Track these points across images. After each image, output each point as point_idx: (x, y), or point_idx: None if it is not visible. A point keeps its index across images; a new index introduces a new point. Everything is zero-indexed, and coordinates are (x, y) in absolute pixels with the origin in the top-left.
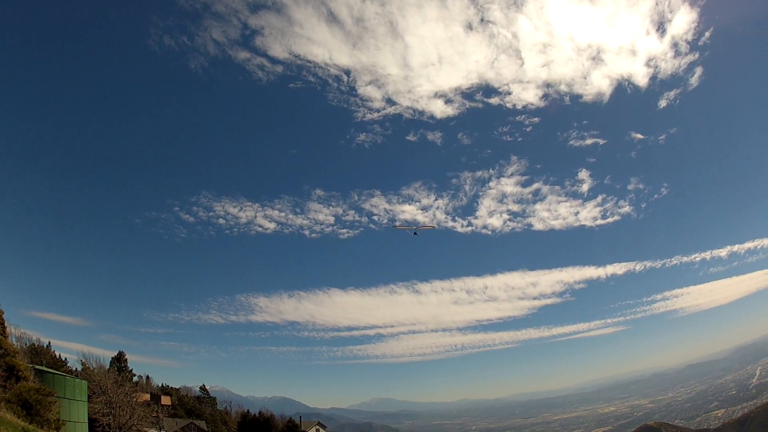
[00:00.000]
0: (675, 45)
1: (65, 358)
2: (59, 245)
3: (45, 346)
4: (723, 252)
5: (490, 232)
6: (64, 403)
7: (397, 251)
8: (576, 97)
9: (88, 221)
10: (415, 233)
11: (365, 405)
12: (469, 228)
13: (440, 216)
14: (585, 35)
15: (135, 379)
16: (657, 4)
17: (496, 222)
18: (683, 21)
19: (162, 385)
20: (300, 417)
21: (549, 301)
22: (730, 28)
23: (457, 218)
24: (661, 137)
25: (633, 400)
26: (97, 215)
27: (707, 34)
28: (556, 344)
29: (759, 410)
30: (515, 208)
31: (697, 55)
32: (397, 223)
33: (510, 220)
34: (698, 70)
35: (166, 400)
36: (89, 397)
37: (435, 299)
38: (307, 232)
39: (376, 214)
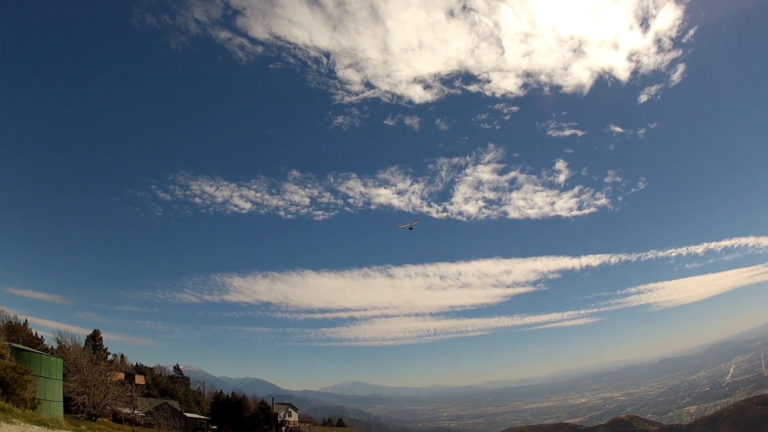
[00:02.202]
0: (658, 41)
1: (42, 336)
2: (37, 222)
3: (22, 323)
4: (699, 249)
5: (465, 219)
6: (40, 381)
7: (371, 235)
8: (556, 88)
9: (66, 198)
10: (411, 228)
11: (337, 388)
12: (444, 214)
13: (415, 201)
14: (567, 26)
15: (110, 357)
16: None
17: (471, 209)
18: (668, 17)
19: (136, 364)
20: (272, 399)
21: (523, 290)
22: (714, 27)
23: (432, 204)
24: (640, 131)
25: (605, 392)
26: (75, 192)
27: (691, 31)
28: (529, 333)
29: (732, 408)
30: (491, 195)
31: (680, 52)
32: (397, 226)
33: (485, 207)
34: (681, 67)
35: (140, 379)
36: (64, 375)
37: (409, 284)
38: (282, 213)
39: (351, 197)
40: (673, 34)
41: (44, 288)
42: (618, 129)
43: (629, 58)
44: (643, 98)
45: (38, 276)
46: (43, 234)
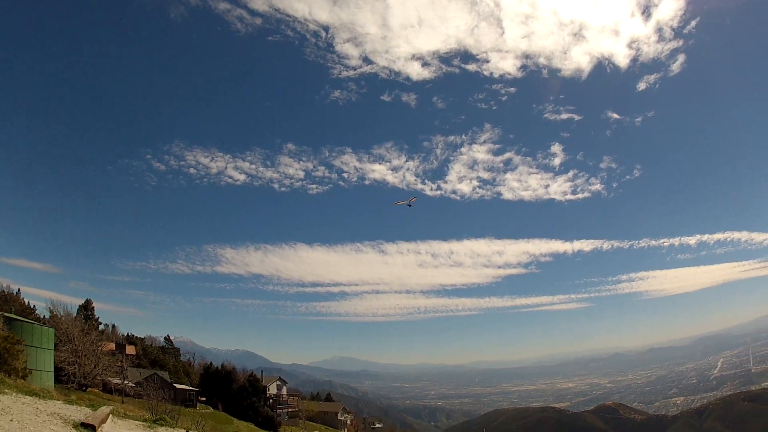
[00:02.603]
0: (659, 30)
1: (34, 306)
2: (30, 191)
3: (15, 293)
4: (692, 240)
5: (458, 198)
6: (32, 351)
7: (364, 210)
8: (554, 71)
9: (61, 167)
10: (409, 205)
11: (326, 362)
12: (438, 192)
13: (410, 178)
14: (569, 10)
15: (101, 327)
16: None
17: (465, 188)
18: (670, 7)
19: (127, 334)
20: (261, 372)
21: (514, 271)
22: (717, 19)
23: (426, 181)
24: (637, 119)
25: (592, 378)
26: (70, 161)
27: (693, 22)
28: (519, 315)
29: (718, 402)
30: (485, 175)
31: (680, 42)
32: (396, 203)
33: (479, 187)
34: (681, 57)
35: (130, 349)
36: (56, 345)
37: (400, 260)
38: (276, 186)
39: (346, 171)
40: (675, 24)
41: (37, 257)
42: (615, 115)
43: (629, 46)
44: (641, 86)
45: (31, 245)
46: (37, 203)
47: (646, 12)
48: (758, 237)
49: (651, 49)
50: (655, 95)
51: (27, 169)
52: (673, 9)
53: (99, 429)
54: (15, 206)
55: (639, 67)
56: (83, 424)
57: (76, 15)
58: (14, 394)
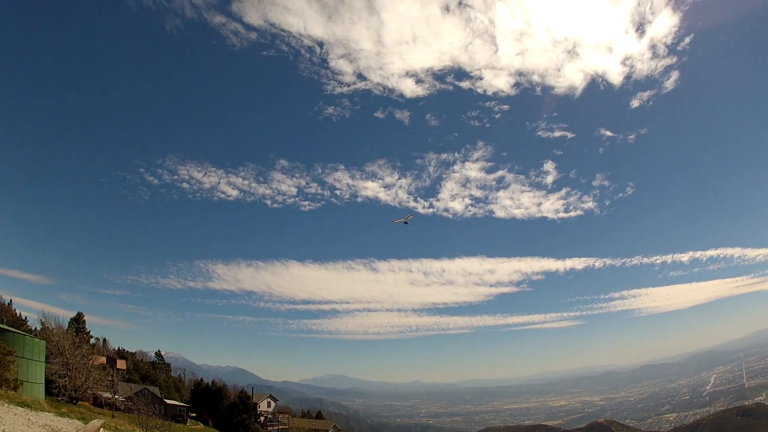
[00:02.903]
0: (653, 47)
1: (26, 317)
2: (25, 202)
3: (6, 303)
4: (684, 257)
5: (451, 216)
6: (23, 362)
7: (356, 227)
8: (548, 89)
9: (56, 179)
10: (405, 223)
11: (317, 380)
12: (431, 210)
13: (402, 195)
14: (563, 28)
15: (92, 341)
16: (639, 4)
17: (457, 206)
18: (664, 24)
19: (118, 348)
20: (252, 389)
21: (506, 290)
22: (711, 36)
23: (419, 199)
24: (630, 136)
25: (584, 396)
26: (65, 173)
27: (687, 39)
28: (511, 333)
29: (711, 418)
30: (478, 193)
31: (674, 59)
32: (394, 221)
33: (472, 205)
34: (674, 74)
35: (121, 364)
36: (47, 357)
37: (392, 278)
38: (269, 202)
39: (338, 189)
40: (669, 40)
41: (29, 268)
42: (608, 133)
43: (623, 63)
44: (635, 103)
45: (24, 256)
46: (30, 214)
47: (640, 29)
48: (751, 253)
49: (645, 66)
50: (648, 112)
51: (21, 180)
52: (667, 26)
53: None
54: (9, 217)
55: (632, 84)
56: None
57: (71, 28)
58: (6, 405)
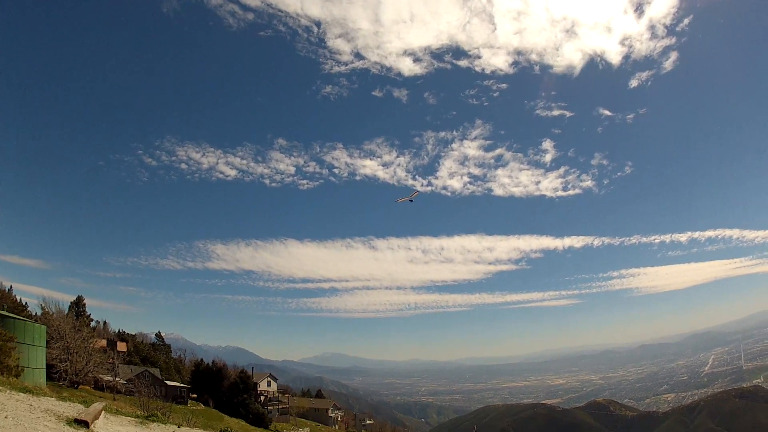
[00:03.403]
0: (652, 27)
1: (26, 303)
2: (23, 186)
3: (7, 290)
4: (683, 237)
5: (449, 194)
6: (24, 348)
7: (355, 205)
8: (546, 68)
9: (54, 163)
10: (410, 200)
11: (317, 359)
12: (429, 188)
13: (400, 173)
14: (561, 7)
15: (92, 324)
16: None
17: (456, 184)
18: (663, 4)
19: (118, 331)
20: (252, 368)
21: (504, 267)
22: (710, 17)
23: (417, 177)
24: (629, 116)
25: (583, 375)
26: (63, 157)
27: (686, 20)
28: (509, 311)
29: (710, 399)
30: (476, 171)
31: (673, 40)
32: (398, 200)
33: (470, 183)
34: (673, 55)
35: (122, 346)
36: (47, 342)
37: (391, 256)
38: (267, 181)
39: (336, 167)
40: (668, 21)
41: (29, 253)
42: (607, 112)
43: (622, 43)
44: (633, 83)
45: (23, 241)
46: (28, 198)
47: (639, 9)
48: (750, 234)
49: (643, 46)
50: (647, 92)
51: (18, 164)
52: (667, 6)
53: (92, 425)
54: (7, 202)
55: (631, 64)
56: (77, 421)
57: (68, 9)
58: (8, 392)
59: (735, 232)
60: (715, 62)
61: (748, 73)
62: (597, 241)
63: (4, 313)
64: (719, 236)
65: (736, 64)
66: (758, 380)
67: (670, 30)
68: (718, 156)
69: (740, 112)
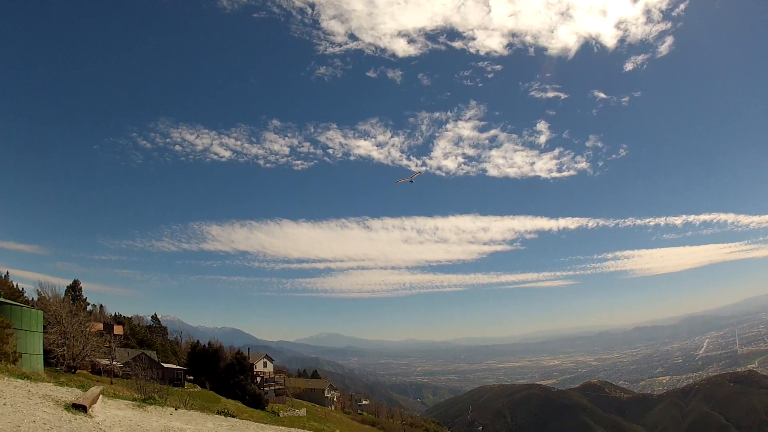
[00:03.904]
0: (648, 12)
1: (22, 288)
2: (17, 171)
3: (3, 276)
4: (678, 220)
5: (444, 174)
6: (21, 334)
7: (349, 186)
8: (541, 50)
9: (48, 147)
10: (411, 181)
11: (313, 339)
12: (423, 168)
13: (395, 154)
14: None
15: (89, 308)
16: None
17: (450, 164)
18: None
19: (115, 314)
20: (248, 349)
21: (499, 248)
22: (706, 3)
23: (411, 157)
24: (624, 99)
25: (578, 356)
26: (57, 141)
27: (682, 5)
28: (504, 291)
29: (704, 383)
30: (471, 152)
31: (669, 25)
32: (399, 180)
33: (465, 163)
34: (669, 39)
35: (118, 329)
36: (44, 327)
37: (385, 236)
38: (261, 162)
39: (331, 147)
40: (664, 6)
41: (24, 239)
42: (601, 95)
43: (617, 26)
44: (628, 66)
45: (18, 226)
46: (23, 183)
47: None
48: (745, 219)
49: (639, 30)
50: (642, 76)
51: (13, 150)
52: None
53: (90, 409)
54: (1, 188)
55: (626, 47)
56: (75, 405)
57: None
58: (6, 378)
59: (730, 217)
60: (711, 48)
61: (744, 59)
62: (592, 223)
63: (1, 299)
64: (714, 220)
65: (731, 49)
66: (753, 365)
67: (666, 15)
68: (714, 140)
69: (736, 97)
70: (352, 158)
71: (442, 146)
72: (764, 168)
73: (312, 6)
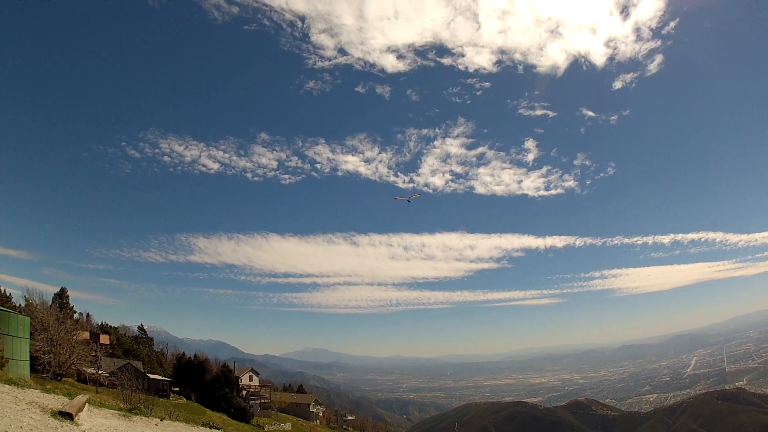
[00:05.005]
0: (637, 30)
1: (10, 294)
2: (6, 177)
3: None
4: (665, 239)
5: (431, 191)
6: (8, 340)
7: (336, 201)
8: (530, 67)
9: (37, 153)
10: (408, 201)
11: (298, 354)
12: (411, 185)
13: (383, 170)
14: (546, 7)
15: (76, 316)
16: None
17: (438, 181)
18: (649, 7)
19: (101, 323)
20: (234, 362)
21: (486, 266)
22: (696, 21)
23: (399, 173)
24: (612, 117)
25: (564, 374)
26: (46, 147)
27: (672, 24)
28: (491, 309)
29: (692, 401)
30: (458, 169)
31: (659, 43)
32: (397, 197)
33: (452, 180)
34: (658, 58)
35: (104, 339)
36: (31, 334)
37: (372, 252)
38: (249, 175)
39: (318, 162)
40: (654, 24)
41: (12, 244)
42: (590, 113)
43: (606, 44)
44: (617, 85)
45: (6, 231)
46: (11, 189)
47: (625, 11)
48: (733, 238)
49: (628, 48)
50: (631, 94)
51: (1, 155)
52: (653, 9)
53: (76, 417)
54: None
55: (615, 65)
56: (61, 413)
57: (52, 1)
58: None
59: (718, 235)
60: (701, 66)
61: (733, 77)
62: (579, 241)
63: None
64: (702, 239)
65: (721, 68)
66: (741, 383)
67: (656, 33)
68: (702, 159)
69: (725, 116)
70: (339, 173)
71: (429, 163)
72: (753, 187)
73: (302, 19)
